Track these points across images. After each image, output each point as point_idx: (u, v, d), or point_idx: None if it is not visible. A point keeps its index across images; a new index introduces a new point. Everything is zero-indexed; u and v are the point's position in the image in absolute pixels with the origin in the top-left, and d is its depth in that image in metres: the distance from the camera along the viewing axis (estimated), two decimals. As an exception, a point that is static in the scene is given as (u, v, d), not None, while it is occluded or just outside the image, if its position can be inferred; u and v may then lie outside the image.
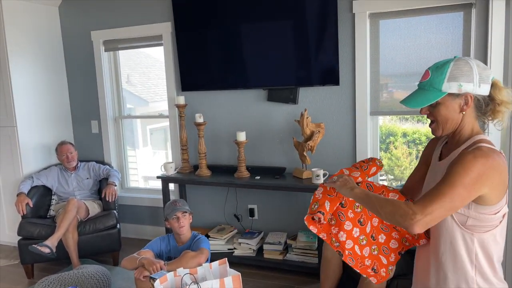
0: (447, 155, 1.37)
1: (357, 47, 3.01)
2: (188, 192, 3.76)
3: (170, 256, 2.53)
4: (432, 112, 1.34)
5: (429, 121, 1.38)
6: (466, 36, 2.78)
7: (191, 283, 1.79)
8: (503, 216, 1.26)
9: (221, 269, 1.96)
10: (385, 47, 3.02)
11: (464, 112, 1.30)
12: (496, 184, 1.21)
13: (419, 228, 1.19)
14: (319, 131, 3.08)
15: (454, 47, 2.83)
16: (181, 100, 3.50)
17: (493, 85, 1.31)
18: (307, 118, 3.07)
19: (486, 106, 1.31)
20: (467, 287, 1.26)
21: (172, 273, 1.89)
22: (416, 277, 1.51)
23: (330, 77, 3.08)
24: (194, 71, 3.52)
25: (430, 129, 1.38)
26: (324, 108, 3.19)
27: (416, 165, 1.69)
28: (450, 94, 1.28)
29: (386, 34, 3.01)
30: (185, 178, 3.47)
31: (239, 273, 1.86)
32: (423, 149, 1.62)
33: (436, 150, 1.47)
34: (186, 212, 2.55)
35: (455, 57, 1.32)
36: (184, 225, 2.52)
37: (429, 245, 1.41)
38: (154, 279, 1.88)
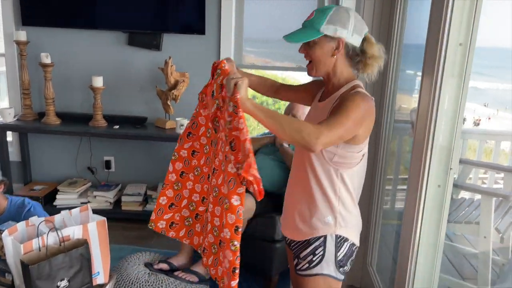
0: (326, 97, 1.47)
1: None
2: (31, 144, 3.32)
3: None
4: (309, 52, 1.41)
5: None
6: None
7: (49, 231, 1.61)
8: (363, 155, 1.43)
9: (82, 216, 1.81)
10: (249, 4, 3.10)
11: (335, 56, 1.39)
12: (367, 127, 1.37)
13: (319, 147, 1.26)
14: (183, 80, 3.03)
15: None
16: (22, 36, 3.00)
17: (366, 39, 1.40)
18: (171, 66, 2.98)
19: (356, 56, 1.40)
20: (332, 215, 1.42)
21: (23, 222, 1.68)
22: (286, 213, 1.61)
23: (196, 25, 3.03)
24: (40, 1, 3.03)
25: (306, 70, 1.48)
26: (189, 57, 3.13)
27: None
28: (326, 36, 1.36)
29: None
30: (28, 126, 3.05)
31: (105, 218, 1.76)
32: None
33: (319, 92, 1.58)
34: None
35: (342, 6, 1.42)
36: None
37: (300, 182, 1.51)
38: (1, 231, 1.63)
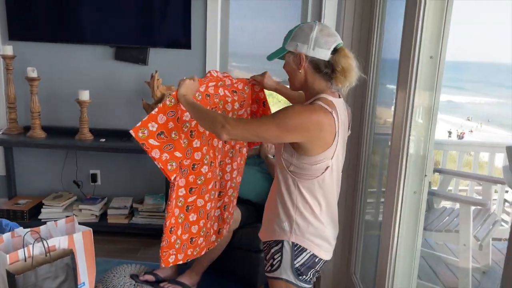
0: None
1: (209, 12, 3.08)
2: (16, 157, 3.31)
3: None
4: (284, 68, 1.49)
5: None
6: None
7: (34, 241, 1.62)
8: (326, 169, 1.41)
9: (68, 227, 1.83)
10: (234, 18, 3.18)
11: (300, 71, 1.42)
12: (316, 139, 1.36)
13: (225, 136, 1.37)
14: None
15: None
16: (8, 50, 3.02)
17: (338, 52, 1.39)
18: (157, 80, 3.03)
19: (325, 68, 1.40)
20: (289, 223, 1.46)
21: (9, 233, 1.69)
22: (263, 218, 1.67)
23: (182, 40, 3.09)
24: (27, 16, 3.07)
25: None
26: (176, 71, 3.19)
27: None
28: (290, 52, 1.43)
29: (236, 7, 3.17)
30: (14, 140, 3.05)
31: (90, 229, 1.77)
32: None
33: None
34: None
35: (315, 21, 1.44)
36: None
37: (272, 188, 1.59)
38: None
